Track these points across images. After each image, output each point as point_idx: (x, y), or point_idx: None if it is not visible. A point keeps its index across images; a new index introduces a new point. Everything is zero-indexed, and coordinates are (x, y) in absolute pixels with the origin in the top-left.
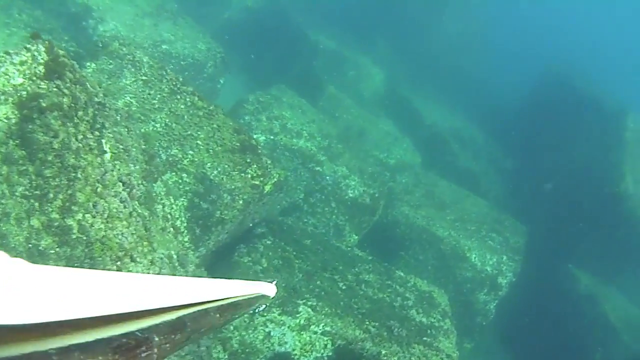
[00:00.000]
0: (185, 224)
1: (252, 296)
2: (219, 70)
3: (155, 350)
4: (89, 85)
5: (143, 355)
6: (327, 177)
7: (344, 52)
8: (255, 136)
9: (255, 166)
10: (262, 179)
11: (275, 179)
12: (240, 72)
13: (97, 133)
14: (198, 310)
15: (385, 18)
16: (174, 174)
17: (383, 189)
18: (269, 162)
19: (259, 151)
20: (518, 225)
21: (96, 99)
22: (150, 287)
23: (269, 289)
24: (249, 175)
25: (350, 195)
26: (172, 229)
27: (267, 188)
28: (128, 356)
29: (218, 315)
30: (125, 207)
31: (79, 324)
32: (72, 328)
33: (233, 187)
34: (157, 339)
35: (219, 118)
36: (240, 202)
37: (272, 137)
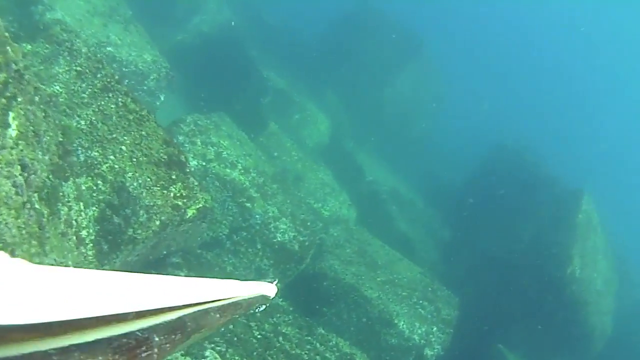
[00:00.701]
0: (92, 237)
1: (252, 296)
2: (161, 85)
3: (156, 350)
4: (9, 50)
5: (143, 355)
6: (257, 216)
7: (293, 95)
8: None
9: (180, 185)
10: (185, 200)
11: (200, 205)
12: (183, 95)
13: (3, 101)
14: (198, 310)
15: (340, 69)
16: (89, 178)
17: (314, 239)
18: (196, 183)
19: (187, 170)
20: (451, 297)
21: (14, 67)
22: (150, 287)
23: (269, 289)
24: (172, 194)
25: (279, 238)
26: (74, 238)
27: (190, 212)
28: (128, 356)
29: (218, 316)
30: (17, 193)
31: (79, 324)
32: (72, 328)
33: (152, 203)
34: (157, 339)
35: (150, 126)
36: (157, 222)
37: (204, 164)
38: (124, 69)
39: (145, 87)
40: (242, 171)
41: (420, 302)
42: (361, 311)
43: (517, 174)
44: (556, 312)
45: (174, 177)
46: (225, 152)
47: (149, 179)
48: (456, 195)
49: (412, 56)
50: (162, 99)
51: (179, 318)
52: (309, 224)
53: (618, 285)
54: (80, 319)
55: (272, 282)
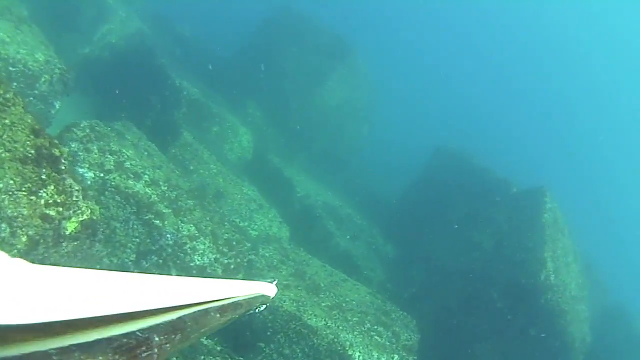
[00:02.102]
0: None
1: (252, 296)
2: (54, 90)
3: (156, 350)
4: None
5: (143, 355)
6: (168, 235)
7: (210, 106)
8: (79, 170)
9: (52, 188)
10: (61, 209)
11: (85, 216)
12: (87, 108)
13: None
14: (199, 310)
15: (261, 78)
16: None
17: (241, 261)
18: (76, 187)
19: (63, 167)
20: (408, 319)
21: None
22: (150, 287)
23: (269, 288)
24: (42, 200)
25: (197, 262)
26: None
27: (70, 227)
28: (128, 356)
29: (219, 315)
30: None
31: (79, 324)
32: (72, 328)
33: (16, 214)
34: (157, 339)
35: (16, 112)
36: (24, 238)
37: (101, 175)
38: (10, 68)
39: (36, 91)
40: (150, 183)
41: (375, 327)
42: (306, 343)
43: (464, 179)
44: (530, 325)
45: (44, 177)
46: (128, 162)
47: (12, 181)
48: (397, 207)
49: (339, 62)
50: (57, 107)
51: (179, 318)
52: (234, 243)
53: (589, 290)
54: (80, 319)
55: (272, 282)
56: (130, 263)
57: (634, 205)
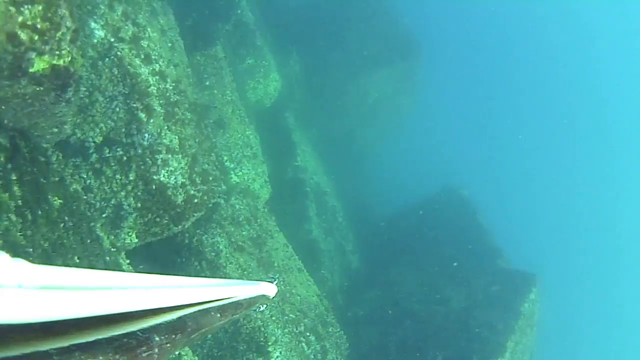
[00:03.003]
0: None
1: (253, 296)
2: None
3: (156, 350)
4: None
5: (144, 355)
6: (146, 135)
7: (256, 36)
8: (92, 23)
9: (39, 8)
10: (36, 37)
11: (61, 61)
12: None
13: None
14: (199, 310)
15: (318, 39)
16: None
17: (207, 199)
18: (68, 22)
19: None
20: (342, 339)
21: None
22: (151, 287)
23: (269, 288)
24: (20, 17)
25: (162, 178)
26: None
27: (38, 65)
28: (129, 356)
29: (219, 315)
30: None
31: (80, 324)
32: (72, 328)
33: None
34: (157, 338)
35: None
36: None
37: (111, 39)
38: None
39: None
40: (157, 73)
41: (307, 334)
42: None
43: (459, 229)
44: None
45: None
46: (146, 42)
47: None
48: (381, 224)
49: (399, 59)
50: None
51: (180, 318)
52: (210, 179)
53: None
54: (81, 319)
55: (272, 282)
56: (92, 144)
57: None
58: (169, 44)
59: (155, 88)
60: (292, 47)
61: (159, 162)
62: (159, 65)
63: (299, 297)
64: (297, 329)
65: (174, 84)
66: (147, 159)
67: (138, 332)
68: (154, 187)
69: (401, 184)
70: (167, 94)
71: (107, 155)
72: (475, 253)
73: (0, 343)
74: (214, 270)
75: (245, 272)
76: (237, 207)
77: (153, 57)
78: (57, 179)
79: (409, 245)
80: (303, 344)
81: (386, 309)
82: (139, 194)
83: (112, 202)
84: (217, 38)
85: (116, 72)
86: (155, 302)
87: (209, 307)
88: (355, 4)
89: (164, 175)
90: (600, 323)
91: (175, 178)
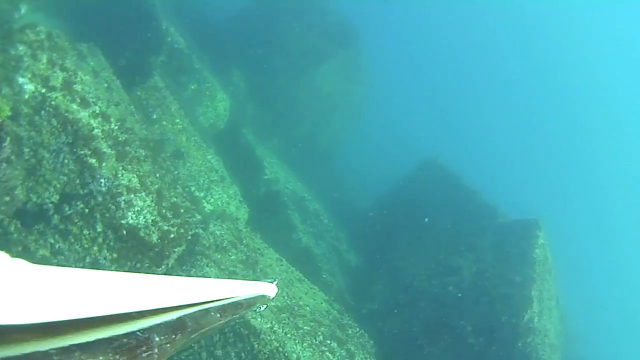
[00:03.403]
0: None
1: (252, 296)
2: None
3: (156, 350)
4: None
5: (144, 355)
6: (102, 181)
7: (193, 59)
8: (19, 78)
9: None
10: None
11: None
12: (59, 26)
13: None
14: (199, 310)
15: (254, 48)
16: None
17: (185, 232)
18: None
19: None
20: (365, 339)
21: None
22: (151, 287)
23: (269, 288)
24: None
25: (131, 220)
26: None
27: None
28: (129, 356)
29: (219, 315)
30: None
31: (80, 324)
32: (72, 328)
33: None
34: (157, 338)
35: None
36: None
37: (43, 90)
38: None
39: None
40: (98, 114)
41: (328, 342)
42: (244, 347)
43: (448, 197)
44: None
45: None
46: (79, 86)
47: None
48: (368, 214)
49: (340, 48)
50: (23, 11)
51: (180, 318)
52: (181, 211)
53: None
54: (81, 319)
55: (272, 282)
56: (50, 205)
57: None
58: (105, 85)
59: (100, 130)
60: (232, 64)
61: (123, 204)
62: (99, 106)
63: (308, 308)
64: (316, 340)
65: (119, 123)
66: (110, 205)
67: (138, 332)
68: (124, 232)
69: (375, 171)
70: (114, 134)
71: (69, 212)
72: (471, 215)
73: (0, 343)
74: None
75: None
76: (218, 233)
77: (90, 99)
78: (19, 248)
79: (402, 227)
80: (327, 353)
81: (397, 295)
82: (112, 243)
83: (87, 260)
84: (153, 69)
85: (55, 123)
86: (155, 302)
87: (209, 307)
88: (282, 5)
89: (131, 218)
90: (609, 260)
91: (144, 217)
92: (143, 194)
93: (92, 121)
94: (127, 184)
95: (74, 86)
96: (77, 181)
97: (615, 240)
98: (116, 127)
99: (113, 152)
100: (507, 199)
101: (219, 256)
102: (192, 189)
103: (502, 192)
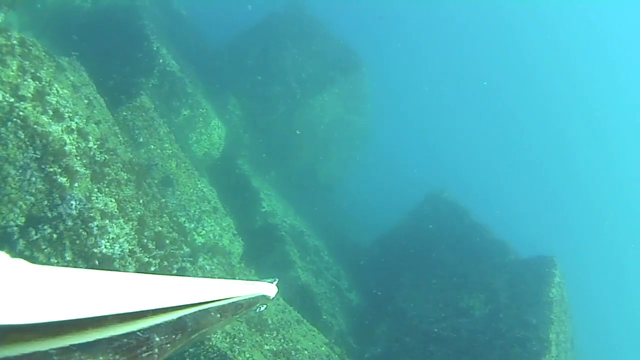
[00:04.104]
0: None
1: (253, 296)
2: None
3: (156, 350)
4: None
5: (144, 355)
6: (73, 203)
7: (186, 83)
8: None
9: None
10: None
11: None
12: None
13: None
14: (199, 310)
15: (251, 76)
16: None
17: (169, 266)
18: None
19: None
20: None
21: None
22: (151, 287)
23: (269, 289)
24: None
25: (104, 249)
26: None
27: None
28: (129, 356)
29: (219, 315)
30: None
31: (80, 324)
32: (72, 328)
33: None
34: (158, 338)
35: None
36: None
37: (11, 100)
38: None
39: None
40: (73, 130)
41: None
42: None
43: (456, 233)
44: None
45: None
46: (54, 98)
47: None
48: (371, 251)
49: (341, 75)
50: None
51: (180, 318)
52: (167, 242)
53: None
54: (81, 319)
55: (272, 282)
56: (15, 229)
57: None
58: (85, 101)
59: (74, 147)
60: (228, 91)
61: (95, 230)
62: (75, 122)
63: (306, 352)
64: None
65: (98, 142)
66: (81, 231)
67: (138, 332)
68: (96, 262)
69: (378, 205)
70: (92, 153)
71: (35, 237)
72: (480, 252)
73: (0, 343)
74: (197, 346)
75: (235, 340)
76: (208, 268)
77: (66, 114)
78: None
79: (407, 265)
80: None
81: (403, 338)
82: None
83: None
84: (140, 89)
85: (22, 136)
86: (155, 302)
87: (209, 307)
88: (279, 30)
89: (105, 246)
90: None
91: (120, 246)
92: (121, 220)
93: (65, 136)
94: (103, 208)
95: (47, 97)
96: (45, 202)
97: (623, 275)
98: (94, 146)
99: (88, 171)
100: (514, 233)
101: None
102: (182, 219)
103: (509, 227)
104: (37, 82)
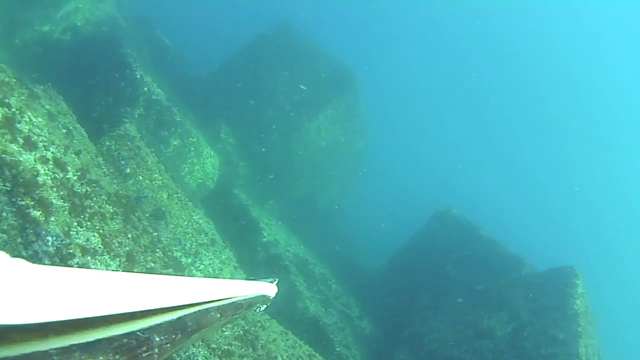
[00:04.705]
0: None
1: (253, 296)
2: None
3: (156, 350)
4: None
5: (144, 355)
6: (49, 239)
7: (173, 112)
8: None
9: None
10: None
11: None
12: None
13: None
14: (199, 310)
15: (242, 102)
16: None
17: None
18: None
19: None
20: None
21: None
22: (151, 287)
23: (269, 289)
24: None
25: None
26: None
27: None
28: (129, 356)
29: (219, 315)
30: None
31: (80, 324)
32: (73, 328)
33: None
34: (158, 338)
35: None
36: None
37: None
38: None
39: None
40: (48, 161)
41: None
42: None
43: (468, 250)
44: None
45: None
46: (26, 126)
47: None
48: (381, 276)
49: (336, 95)
50: None
51: (180, 318)
52: None
53: None
54: (81, 319)
55: (272, 282)
56: None
57: None
58: (64, 130)
59: (49, 177)
60: (219, 118)
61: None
62: (51, 152)
63: None
64: None
65: (79, 174)
66: None
67: (138, 332)
68: None
69: (383, 228)
70: (70, 185)
71: None
72: (495, 268)
73: (0, 343)
74: None
75: None
76: None
77: (39, 142)
78: None
79: (419, 287)
80: None
81: None
82: None
83: None
84: (124, 117)
85: None
86: (155, 302)
87: (209, 307)
88: (268, 53)
89: None
90: None
91: None
92: (106, 256)
93: (39, 166)
94: (84, 243)
95: (18, 125)
96: (19, 240)
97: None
98: (74, 177)
99: (66, 204)
100: (524, 246)
101: (208, 332)
102: (177, 253)
103: (518, 240)
104: (6, 109)
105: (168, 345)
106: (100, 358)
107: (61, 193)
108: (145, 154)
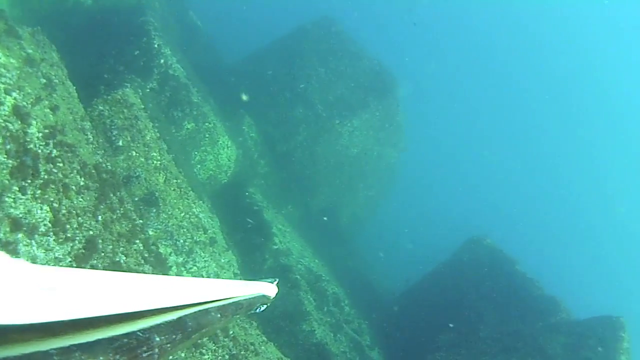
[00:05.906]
0: None
1: (253, 296)
2: None
3: (157, 350)
4: None
5: (144, 355)
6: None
7: (191, 91)
8: None
9: None
10: None
11: None
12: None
13: None
14: (199, 310)
15: (272, 96)
16: None
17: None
18: None
19: None
20: None
21: None
22: (151, 287)
23: (270, 289)
24: None
25: None
26: None
27: None
28: (129, 356)
29: (219, 315)
30: None
31: (80, 324)
32: (73, 328)
33: None
34: (158, 338)
35: None
36: None
37: None
38: None
39: None
40: (2, 104)
41: None
42: None
43: (501, 287)
44: None
45: None
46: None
47: None
48: (399, 304)
49: (374, 98)
50: None
51: (180, 318)
52: None
53: None
54: (81, 319)
55: (272, 282)
56: None
57: None
58: (43, 80)
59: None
60: (243, 110)
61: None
62: (13, 97)
63: None
64: None
65: (46, 131)
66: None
67: (138, 332)
68: None
69: (408, 251)
70: (25, 140)
71: None
72: (530, 310)
73: (0, 343)
74: None
75: None
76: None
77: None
78: None
79: (442, 322)
80: None
81: None
82: None
83: None
84: (124, 81)
85: None
86: (155, 302)
87: (209, 307)
88: (305, 46)
89: None
90: None
91: None
92: (51, 238)
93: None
94: (19, 215)
95: None
96: None
97: None
98: (37, 134)
99: (10, 161)
100: (562, 287)
101: (182, 355)
102: (167, 249)
103: (555, 279)
104: None
105: (168, 345)
106: (101, 358)
107: (7, 147)
108: (143, 127)
